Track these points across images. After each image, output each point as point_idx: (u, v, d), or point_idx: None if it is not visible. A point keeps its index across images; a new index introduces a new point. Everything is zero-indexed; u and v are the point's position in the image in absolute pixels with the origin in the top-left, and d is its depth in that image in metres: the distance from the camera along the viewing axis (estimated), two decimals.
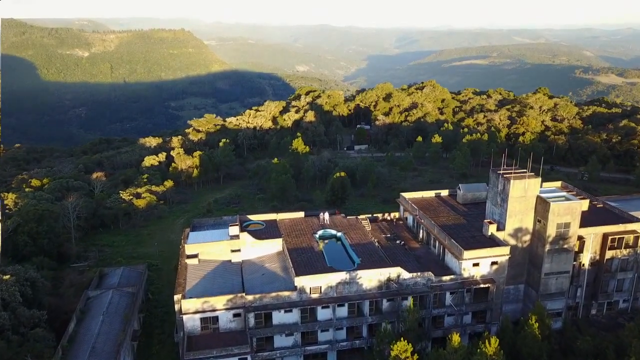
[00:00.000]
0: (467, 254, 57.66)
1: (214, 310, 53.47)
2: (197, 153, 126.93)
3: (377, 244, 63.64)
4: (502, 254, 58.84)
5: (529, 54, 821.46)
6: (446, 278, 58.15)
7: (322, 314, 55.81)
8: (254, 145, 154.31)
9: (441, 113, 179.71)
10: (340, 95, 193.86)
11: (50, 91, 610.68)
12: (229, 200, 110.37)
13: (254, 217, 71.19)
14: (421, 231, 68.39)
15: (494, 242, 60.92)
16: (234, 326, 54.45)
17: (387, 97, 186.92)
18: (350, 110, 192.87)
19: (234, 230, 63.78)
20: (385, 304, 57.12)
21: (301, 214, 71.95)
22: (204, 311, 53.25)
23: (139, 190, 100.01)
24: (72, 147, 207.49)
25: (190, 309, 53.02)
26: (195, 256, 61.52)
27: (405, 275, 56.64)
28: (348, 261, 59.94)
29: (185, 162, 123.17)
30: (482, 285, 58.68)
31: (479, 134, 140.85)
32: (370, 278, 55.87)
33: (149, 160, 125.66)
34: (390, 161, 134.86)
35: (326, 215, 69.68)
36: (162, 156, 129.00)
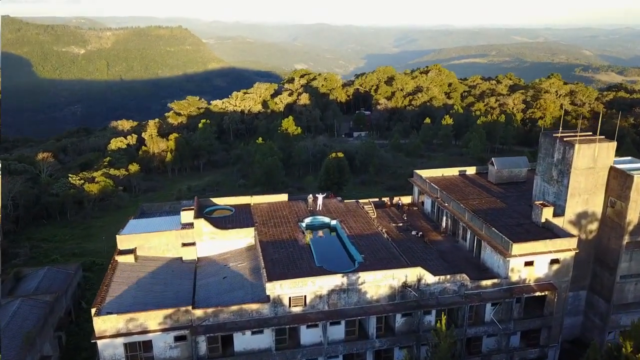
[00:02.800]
0: (517, 248, 39.23)
1: (145, 332, 35.02)
2: (173, 135, 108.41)
3: (385, 235, 45.07)
4: (566, 249, 40.40)
5: (528, 52, 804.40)
6: (487, 283, 39.71)
7: (308, 335, 37.42)
8: (242, 130, 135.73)
9: (448, 97, 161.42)
10: (338, 79, 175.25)
11: (45, 88, 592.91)
12: (206, 188, 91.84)
13: (220, 201, 52.67)
14: (445, 219, 49.92)
15: (550, 232, 42.53)
16: (177, 355, 36.03)
17: (389, 81, 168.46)
18: (348, 96, 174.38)
19: (186, 216, 45.33)
20: (399, 320, 38.76)
21: (283, 197, 53.46)
22: (129, 333, 34.77)
23: (94, 174, 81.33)
24: (48, 137, 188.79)
25: (108, 331, 34.52)
26: (130, 252, 42.99)
27: (429, 278, 38.25)
28: (346, 259, 41.60)
29: (158, 145, 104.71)
30: (537, 293, 40.32)
31: (494, 116, 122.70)
32: (377, 283, 37.51)
33: (116, 143, 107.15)
34: (395, 146, 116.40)
35: (319, 200, 51.09)
36: (131, 138, 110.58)
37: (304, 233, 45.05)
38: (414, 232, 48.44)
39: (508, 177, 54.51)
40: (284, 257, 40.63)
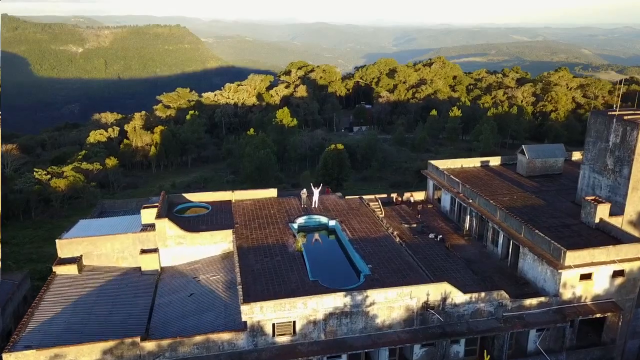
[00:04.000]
0: (572, 256, 29.78)
1: None
2: (158, 128, 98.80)
3: (398, 239, 35.56)
4: (634, 257, 30.97)
5: (527, 51, 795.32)
6: (531, 302, 30.26)
7: None
8: (235, 124, 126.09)
9: (453, 90, 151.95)
10: (337, 71, 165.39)
11: (43, 87, 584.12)
12: (191, 184, 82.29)
13: (195, 197, 43.20)
14: (468, 218, 40.45)
15: (606, 235, 33.14)
16: None
17: (391, 73, 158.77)
18: (348, 89, 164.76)
19: (148, 215, 35.81)
20: (418, 352, 29.36)
21: (272, 193, 43.95)
22: None
23: (64, 168, 71.72)
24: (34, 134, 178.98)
25: None
26: (74, 261, 33.52)
27: (458, 297, 28.81)
28: (348, 271, 32.21)
29: (141, 138, 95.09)
30: (597, 315, 30.91)
31: (506, 107, 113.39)
32: (390, 304, 28.05)
33: (95, 136, 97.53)
34: (399, 140, 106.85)
35: (314, 195, 41.58)
36: (112, 131, 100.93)
37: (295, 237, 35.60)
38: (431, 235, 38.98)
39: (541, 169, 45.05)
40: (268, 268, 31.18)
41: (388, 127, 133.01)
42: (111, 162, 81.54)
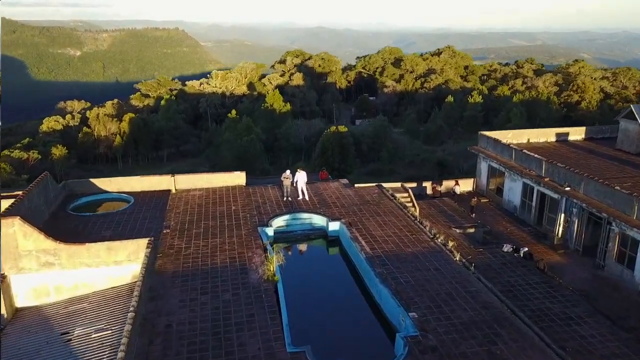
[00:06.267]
0: None
1: None
2: (127, 115, 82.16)
3: (457, 257, 18.75)
4: None
5: (526, 55, 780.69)
6: None
7: None
8: (222, 115, 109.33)
9: (465, 80, 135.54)
10: (337, 60, 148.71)
11: (41, 90, 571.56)
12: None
13: (111, 185, 26.50)
14: (562, 218, 23.76)
15: None
16: None
17: (397, 62, 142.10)
18: (349, 81, 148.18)
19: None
20: None
21: (238, 178, 27.22)
22: None
23: None
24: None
25: None
26: None
27: None
28: (369, 327, 15.46)
29: (105, 126, 78.47)
30: None
31: (533, 93, 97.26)
32: None
33: (49, 123, 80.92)
34: (409, 129, 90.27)
35: (299, 178, 24.88)
36: (72, 119, 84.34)
37: (266, 252, 18.93)
38: (507, 248, 22.25)
39: None
40: (202, 321, 14.53)
41: (395, 119, 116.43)
42: (58, 151, 64.94)
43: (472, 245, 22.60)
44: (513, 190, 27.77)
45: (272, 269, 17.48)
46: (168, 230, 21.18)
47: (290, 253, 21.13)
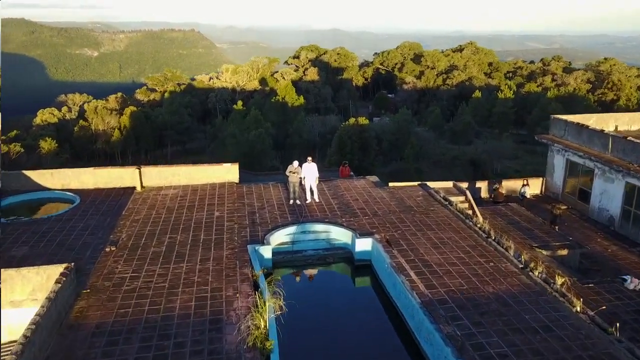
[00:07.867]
0: None
1: None
2: (129, 109, 75.54)
3: (578, 307, 11.06)
4: None
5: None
6: None
7: None
8: (232, 111, 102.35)
9: (490, 77, 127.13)
10: (354, 56, 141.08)
11: (59, 90, 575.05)
12: None
13: (53, 180, 19.19)
14: None
15: None
16: None
17: (417, 58, 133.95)
18: (366, 78, 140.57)
19: None
20: None
21: (228, 173, 19.81)
22: None
23: None
24: None
25: None
26: None
27: None
28: None
29: (104, 120, 71.90)
30: None
31: (567, 89, 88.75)
32: None
33: (43, 116, 74.66)
34: (433, 125, 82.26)
35: (307, 173, 17.36)
36: (68, 111, 78.02)
37: (257, 289, 11.38)
38: (633, 284, 14.41)
39: None
40: None
41: (415, 117, 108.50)
42: (47, 144, 58.43)
43: (574, 277, 14.80)
44: (608, 193, 19.86)
45: (263, 325, 9.98)
46: (113, 248, 13.80)
47: (296, 284, 13.65)
